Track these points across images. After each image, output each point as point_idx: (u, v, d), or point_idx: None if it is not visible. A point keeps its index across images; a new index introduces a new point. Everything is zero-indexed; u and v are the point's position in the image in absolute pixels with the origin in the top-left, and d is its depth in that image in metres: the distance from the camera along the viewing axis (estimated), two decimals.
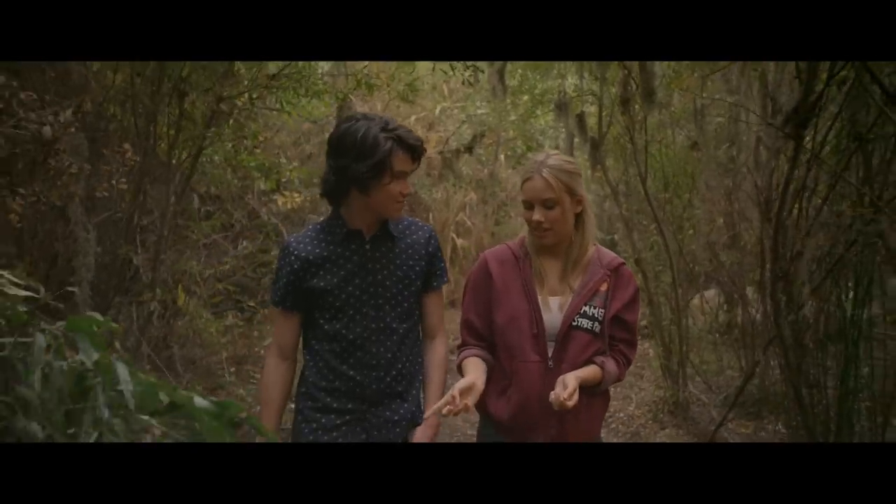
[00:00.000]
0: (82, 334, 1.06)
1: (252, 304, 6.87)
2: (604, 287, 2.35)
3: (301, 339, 2.48)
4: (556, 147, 9.33)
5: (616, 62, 5.47)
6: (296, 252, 2.34)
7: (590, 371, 2.28)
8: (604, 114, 6.44)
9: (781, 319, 4.47)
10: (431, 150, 10.66)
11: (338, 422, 2.36)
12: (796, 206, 4.01)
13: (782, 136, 3.75)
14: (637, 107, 5.66)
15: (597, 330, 2.32)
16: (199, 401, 1.06)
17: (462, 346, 2.46)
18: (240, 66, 4.54)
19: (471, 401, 2.12)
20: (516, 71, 7.45)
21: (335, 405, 2.36)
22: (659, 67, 4.78)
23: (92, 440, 1.03)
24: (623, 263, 2.42)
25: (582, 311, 2.31)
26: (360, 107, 7.17)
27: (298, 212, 7.43)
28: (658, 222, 6.00)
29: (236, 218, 7.16)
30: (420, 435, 2.42)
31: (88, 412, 1.03)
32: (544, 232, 2.30)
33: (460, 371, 2.37)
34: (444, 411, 2.06)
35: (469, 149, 10.44)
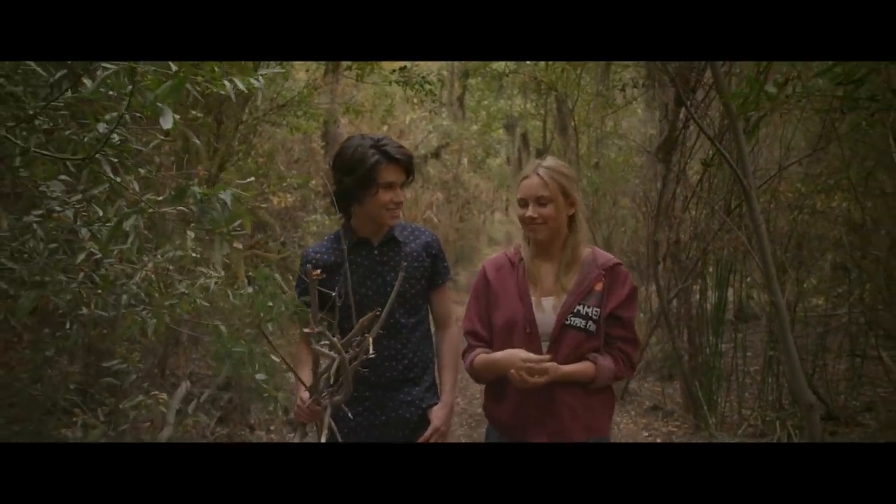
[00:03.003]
0: None
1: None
2: (599, 286, 2.35)
3: None
4: (507, 158, 10.86)
5: (552, 90, 6.97)
6: (313, 261, 2.55)
7: (580, 366, 2.32)
8: (547, 131, 7.97)
9: (663, 301, 6.00)
10: None
11: (359, 408, 2.54)
12: (670, 209, 5.54)
13: (657, 159, 5.27)
14: (572, 128, 7.18)
15: (591, 329, 2.32)
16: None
17: (468, 349, 2.50)
18: (256, 94, 5.90)
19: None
20: (476, 91, 8.95)
21: (355, 393, 2.48)
22: (578, 102, 6.28)
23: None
24: (619, 263, 2.45)
25: (575, 311, 2.32)
26: (348, 126, 8.55)
27: (290, 210, 8.79)
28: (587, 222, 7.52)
29: None
30: (437, 413, 2.59)
31: None
32: (537, 227, 2.35)
33: (474, 373, 2.47)
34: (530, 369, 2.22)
35: (436, 154, 11.97)
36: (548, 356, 2.25)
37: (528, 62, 6.89)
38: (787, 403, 6.00)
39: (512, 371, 2.23)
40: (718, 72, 4.38)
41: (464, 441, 6.27)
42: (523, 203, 2.37)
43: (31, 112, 1.90)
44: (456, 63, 8.92)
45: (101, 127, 1.94)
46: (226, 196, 1.89)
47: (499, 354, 2.33)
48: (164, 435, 5.05)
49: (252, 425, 5.87)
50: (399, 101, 8.48)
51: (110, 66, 1.89)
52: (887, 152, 4.23)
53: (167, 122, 1.73)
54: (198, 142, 3.86)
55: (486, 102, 8.87)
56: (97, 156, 1.99)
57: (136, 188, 2.10)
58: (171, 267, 2.47)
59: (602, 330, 2.35)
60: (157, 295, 2.37)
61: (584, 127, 6.67)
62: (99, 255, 2.33)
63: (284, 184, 7.03)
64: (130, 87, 1.79)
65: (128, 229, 1.88)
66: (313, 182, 7.75)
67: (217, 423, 5.56)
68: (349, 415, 2.38)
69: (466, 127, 11.21)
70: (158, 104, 1.77)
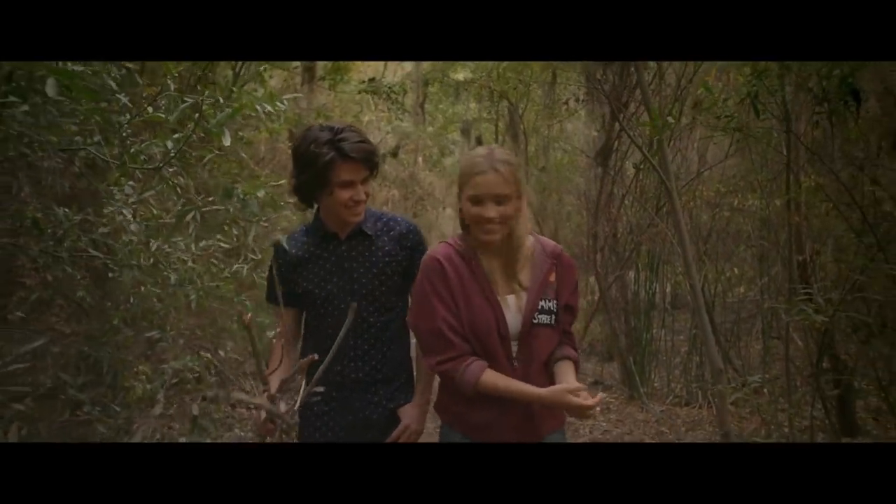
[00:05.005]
0: None
1: None
2: (552, 277, 2.25)
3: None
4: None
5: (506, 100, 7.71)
6: (281, 252, 2.43)
7: (573, 371, 2.23)
8: (498, 134, 8.74)
9: (602, 288, 6.81)
10: None
11: (325, 408, 2.44)
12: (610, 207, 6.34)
13: (596, 163, 6.06)
14: (522, 133, 7.94)
15: (553, 323, 2.23)
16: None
17: (458, 355, 2.15)
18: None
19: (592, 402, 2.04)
20: (434, 98, 9.68)
21: (322, 393, 2.31)
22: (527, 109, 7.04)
23: None
24: (562, 249, 2.35)
25: (539, 307, 2.20)
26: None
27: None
28: (535, 217, 8.31)
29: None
30: (408, 410, 2.47)
31: None
32: (496, 228, 2.12)
33: (479, 390, 2.13)
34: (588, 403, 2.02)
35: (394, 154, 12.65)
36: (582, 386, 2.07)
37: (483, 71, 7.64)
38: (708, 376, 6.88)
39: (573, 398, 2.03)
40: (646, 89, 5.18)
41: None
42: (477, 201, 2.10)
43: (120, 128, 2.51)
44: (418, 72, 9.64)
45: (169, 143, 2.58)
46: (260, 193, 2.56)
47: (539, 391, 2.08)
48: (156, 411, 5.63)
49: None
50: (367, 108, 9.14)
51: (176, 95, 2.54)
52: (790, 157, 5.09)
53: (227, 140, 2.40)
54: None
55: (442, 107, 9.63)
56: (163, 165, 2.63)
57: (194, 190, 2.73)
58: (218, 255, 3.10)
59: (560, 319, 2.26)
60: (198, 278, 3.00)
61: (532, 132, 7.46)
62: (154, 245, 2.97)
63: (258, 182, 7.59)
64: (197, 115, 2.45)
65: (189, 221, 2.53)
66: (283, 182, 8.35)
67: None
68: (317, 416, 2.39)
69: (423, 129, 11.93)
70: (218, 128, 2.44)
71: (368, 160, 2.31)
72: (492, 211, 2.10)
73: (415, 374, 2.57)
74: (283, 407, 1.74)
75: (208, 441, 4.84)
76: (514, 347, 2.20)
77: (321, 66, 7.31)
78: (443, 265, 2.18)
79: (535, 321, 2.20)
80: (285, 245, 2.40)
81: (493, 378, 2.12)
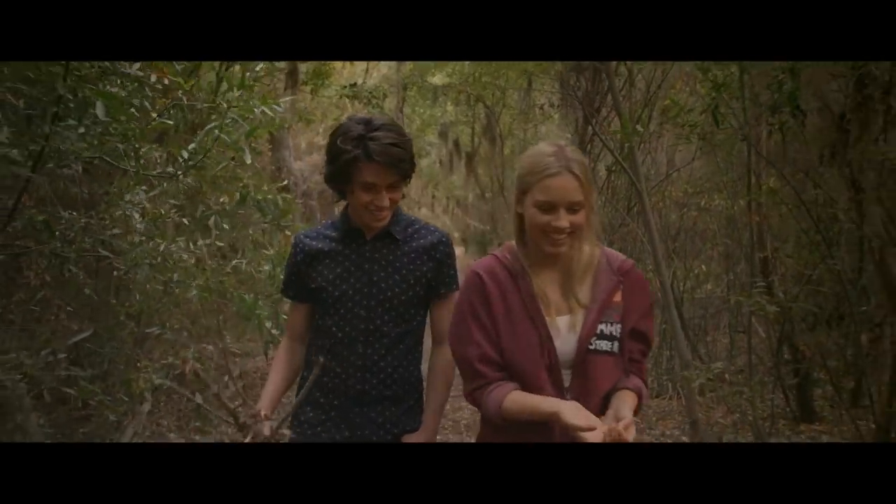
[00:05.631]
0: None
1: None
2: (617, 297, 1.91)
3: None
4: (440, 161, 11.90)
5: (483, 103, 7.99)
6: (301, 245, 2.30)
7: (631, 401, 1.85)
8: (475, 136, 9.04)
9: None
10: None
11: (322, 417, 2.29)
12: None
13: None
14: (498, 135, 8.24)
15: (616, 350, 1.89)
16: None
17: (486, 383, 1.89)
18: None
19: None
20: (412, 101, 9.96)
21: (322, 399, 2.29)
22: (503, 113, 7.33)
23: None
24: (634, 264, 1.99)
25: (598, 332, 1.87)
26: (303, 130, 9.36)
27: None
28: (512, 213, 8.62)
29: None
30: (415, 438, 2.29)
31: None
32: (565, 239, 1.83)
33: (503, 416, 1.84)
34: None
35: None
36: (632, 419, 1.71)
37: (460, 76, 7.90)
38: (678, 368, 7.21)
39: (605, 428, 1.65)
40: (617, 95, 5.48)
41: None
42: (548, 208, 1.79)
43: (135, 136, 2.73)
44: (398, 76, 9.88)
45: (185, 153, 2.81)
46: (276, 197, 2.81)
47: (562, 412, 1.68)
48: (145, 408, 5.82)
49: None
50: (347, 112, 9.36)
51: (186, 105, 2.77)
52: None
53: (248, 158, 2.64)
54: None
55: (420, 110, 9.90)
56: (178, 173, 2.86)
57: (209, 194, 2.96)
58: (225, 250, 3.33)
59: (625, 347, 1.91)
60: (204, 273, 3.23)
61: (508, 134, 7.76)
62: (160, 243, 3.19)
63: (241, 184, 7.81)
64: (217, 132, 2.69)
65: (211, 224, 2.76)
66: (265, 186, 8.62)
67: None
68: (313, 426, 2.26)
69: None
70: (239, 145, 2.68)
71: (396, 165, 2.08)
72: (564, 220, 1.78)
73: (424, 397, 2.36)
74: (267, 430, 1.76)
75: (204, 441, 5.04)
76: (567, 378, 1.87)
77: (303, 71, 7.52)
78: (484, 282, 1.91)
79: (592, 347, 1.85)
80: (304, 237, 2.30)
81: (519, 399, 1.82)
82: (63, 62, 2.05)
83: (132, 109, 2.63)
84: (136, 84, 2.33)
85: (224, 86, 2.89)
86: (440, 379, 2.33)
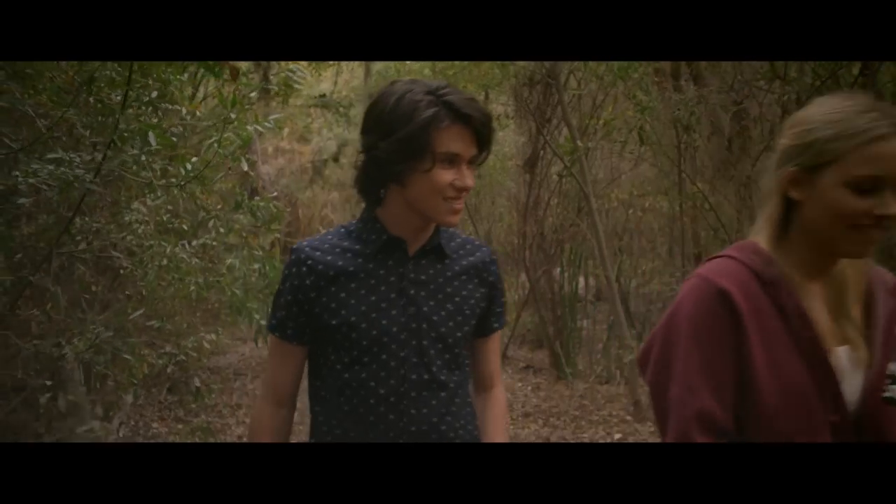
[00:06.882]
0: None
1: None
2: None
3: (308, 383, 1.72)
4: None
5: None
6: (309, 261, 1.60)
7: None
8: None
9: (532, 282, 7.70)
10: (304, 160, 13.49)
11: None
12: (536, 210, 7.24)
13: (524, 170, 6.94)
14: None
15: None
16: None
17: None
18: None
19: None
20: None
21: None
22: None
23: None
24: None
25: (890, 371, 1.29)
26: (269, 136, 9.75)
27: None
28: (471, 218, 9.16)
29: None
30: None
31: None
32: (879, 235, 1.25)
33: None
34: None
35: (335, 159, 13.30)
36: None
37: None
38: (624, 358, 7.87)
39: None
40: (566, 108, 6.07)
41: None
42: (872, 187, 1.21)
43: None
44: (366, 87, 10.29)
45: (189, 165, 3.27)
46: (268, 204, 3.30)
47: None
48: (129, 399, 6.21)
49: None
50: (315, 118, 9.78)
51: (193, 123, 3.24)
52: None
53: (245, 166, 3.13)
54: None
55: None
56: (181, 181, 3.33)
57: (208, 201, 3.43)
58: (220, 249, 3.81)
59: None
60: (202, 272, 3.70)
61: None
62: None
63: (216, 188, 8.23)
64: (216, 145, 3.16)
65: (210, 227, 3.24)
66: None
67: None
68: None
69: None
70: (234, 157, 3.16)
71: (481, 131, 1.52)
72: (894, 205, 1.21)
73: None
74: None
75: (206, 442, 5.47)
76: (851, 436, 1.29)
77: (275, 83, 7.95)
78: (735, 302, 1.27)
79: (888, 394, 1.28)
80: (311, 249, 1.61)
81: None
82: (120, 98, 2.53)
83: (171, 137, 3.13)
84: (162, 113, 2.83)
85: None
86: (497, 429, 1.79)
